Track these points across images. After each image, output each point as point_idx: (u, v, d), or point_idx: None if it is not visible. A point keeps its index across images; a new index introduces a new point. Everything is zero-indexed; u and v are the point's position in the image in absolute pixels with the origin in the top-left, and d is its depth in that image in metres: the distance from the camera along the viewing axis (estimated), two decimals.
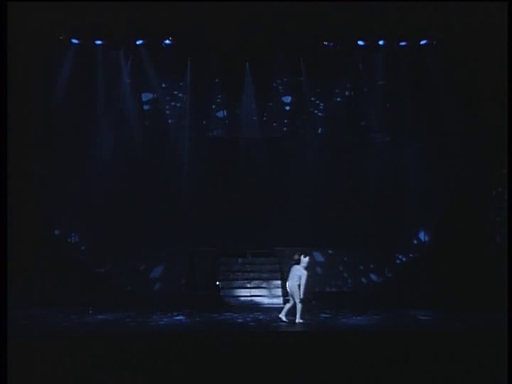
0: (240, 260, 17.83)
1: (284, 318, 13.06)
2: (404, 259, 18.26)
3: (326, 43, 17.57)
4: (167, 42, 17.38)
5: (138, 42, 17.42)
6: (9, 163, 11.91)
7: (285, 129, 19.21)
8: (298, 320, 12.86)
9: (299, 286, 12.74)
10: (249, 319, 13.79)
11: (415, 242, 18.43)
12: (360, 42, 17.54)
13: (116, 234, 17.48)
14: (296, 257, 15.44)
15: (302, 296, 12.73)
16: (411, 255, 18.26)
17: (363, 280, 18.04)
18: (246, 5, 14.77)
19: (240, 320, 13.71)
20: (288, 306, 13.15)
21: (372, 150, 18.40)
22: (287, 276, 13.23)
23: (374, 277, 18.07)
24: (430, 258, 17.50)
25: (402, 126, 18.24)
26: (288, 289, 13.03)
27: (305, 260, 12.94)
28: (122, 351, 9.99)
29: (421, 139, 18.06)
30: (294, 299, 12.93)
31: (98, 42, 17.38)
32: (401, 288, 16.82)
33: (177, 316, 14.28)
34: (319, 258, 18.28)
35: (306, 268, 12.88)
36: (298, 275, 12.77)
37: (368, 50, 17.78)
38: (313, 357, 9.90)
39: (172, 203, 17.92)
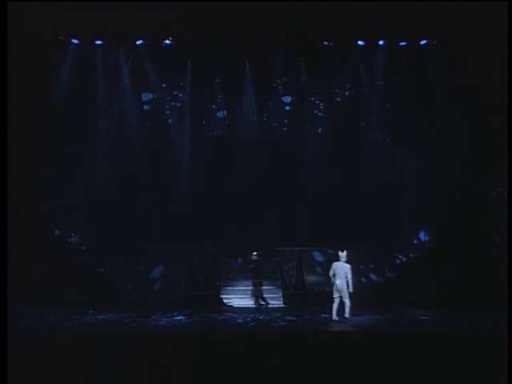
0: (240, 260, 17.81)
1: (337, 318, 13.06)
2: (404, 259, 18.25)
3: (326, 43, 17.57)
4: (167, 41, 17.38)
5: (138, 42, 17.43)
6: (9, 163, 11.90)
7: (285, 129, 19.22)
8: (347, 315, 12.98)
9: (347, 282, 12.96)
10: (249, 319, 13.80)
11: (415, 241, 18.43)
12: (360, 42, 17.54)
13: (116, 234, 17.48)
14: (254, 258, 15.56)
15: (351, 290, 12.91)
16: (411, 255, 18.26)
17: (363, 280, 18.03)
18: (245, 5, 14.76)
19: (240, 320, 13.72)
20: (336, 305, 13.15)
21: (372, 150, 18.40)
22: (333, 275, 13.21)
23: (373, 277, 18.06)
24: (429, 258, 17.50)
25: (402, 126, 18.24)
26: (337, 287, 13.06)
27: (343, 255, 13.19)
28: (122, 351, 9.98)
29: (421, 139, 18.05)
30: (342, 297, 13.04)
31: (98, 42, 17.39)
32: (401, 288, 16.82)
33: (177, 316, 14.28)
34: (319, 257, 18.26)
35: (348, 262, 13.12)
36: (345, 272, 12.98)
37: (368, 50, 17.78)
38: (313, 357, 9.89)
39: (172, 203, 17.93)
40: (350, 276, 12.97)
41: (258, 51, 17.32)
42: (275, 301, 16.62)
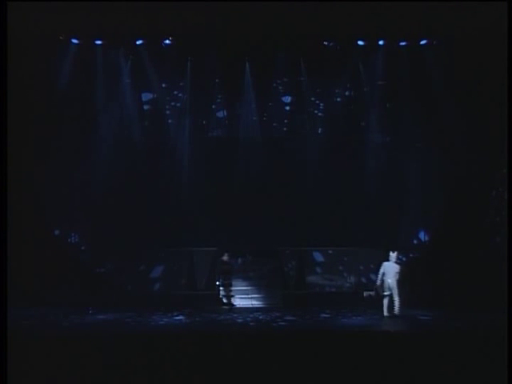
0: (240, 260, 17.80)
1: (388, 314, 13.65)
2: (404, 259, 18.22)
3: (326, 43, 17.57)
4: (167, 41, 17.39)
5: (138, 42, 17.43)
6: (9, 163, 11.90)
7: (285, 129, 19.23)
8: (396, 312, 13.51)
9: (397, 281, 13.52)
10: (249, 319, 13.78)
11: (415, 241, 18.43)
12: (360, 42, 17.55)
13: (116, 234, 17.48)
14: (225, 258, 15.64)
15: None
16: (411, 255, 18.26)
17: (363, 280, 18.04)
18: (245, 5, 14.76)
19: (240, 320, 13.70)
20: (386, 302, 13.73)
21: (372, 150, 18.41)
22: (381, 274, 13.72)
23: (374, 277, 18.04)
24: (429, 257, 17.50)
25: (402, 126, 18.25)
26: (389, 285, 13.62)
27: (394, 255, 13.73)
28: (122, 351, 9.98)
29: (421, 139, 18.06)
30: (392, 294, 13.58)
31: (98, 42, 17.40)
32: (401, 288, 16.79)
33: (177, 316, 14.27)
34: (319, 257, 18.28)
35: (397, 262, 13.64)
36: (396, 272, 13.55)
37: (368, 50, 17.78)
38: (313, 357, 9.89)
39: (172, 203, 17.93)
40: (399, 276, 13.53)
41: (258, 51, 17.32)
42: (257, 301, 16.62)
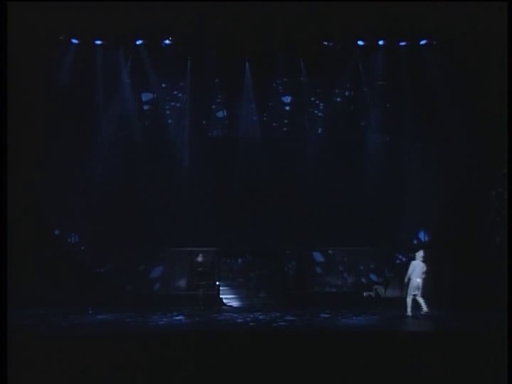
0: (240, 260, 17.80)
1: (411, 314, 13.70)
2: (404, 259, 18.24)
3: (325, 43, 17.58)
4: (167, 41, 17.39)
5: (137, 42, 17.43)
6: (9, 163, 11.89)
7: (285, 129, 19.23)
8: (424, 311, 13.52)
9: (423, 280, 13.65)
10: (249, 319, 13.79)
11: (415, 242, 18.43)
12: (360, 42, 17.56)
13: (116, 233, 17.48)
14: (199, 259, 15.63)
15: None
16: (411, 255, 18.21)
17: (363, 280, 18.05)
18: (245, 5, 14.76)
19: (240, 320, 13.71)
20: (410, 301, 13.77)
21: (372, 150, 18.41)
22: (408, 272, 13.76)
23: (373, 277, 18.07)
24: (430, 258, 17.48)
25: (402, 125, 18.25)
26: (419, 285, 13.63)
27: (420, 254, 13.83)
28: (122, 351, 9.98)
29: (421, 139, 18.06)
30: (417, 294, 13.64)
31: (98, 42, 17.39)
32: (401, 288, 16.81)
33: (177, 316, 14.28)
34: (319, 258, 18.28)
35: (423, 261, 13.70)
36: (423, 271, 13.61)
37: (368, 50, 17.78)
38: (313, 357, 9.89)
39: (172, 203, 17.93)
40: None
41: (258, 51, 17.31)
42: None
